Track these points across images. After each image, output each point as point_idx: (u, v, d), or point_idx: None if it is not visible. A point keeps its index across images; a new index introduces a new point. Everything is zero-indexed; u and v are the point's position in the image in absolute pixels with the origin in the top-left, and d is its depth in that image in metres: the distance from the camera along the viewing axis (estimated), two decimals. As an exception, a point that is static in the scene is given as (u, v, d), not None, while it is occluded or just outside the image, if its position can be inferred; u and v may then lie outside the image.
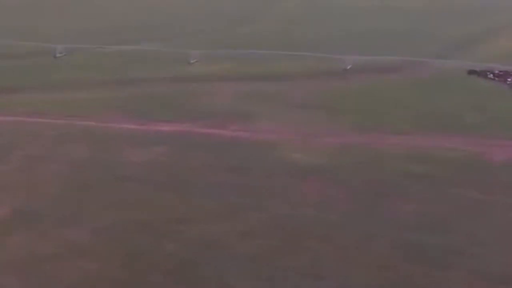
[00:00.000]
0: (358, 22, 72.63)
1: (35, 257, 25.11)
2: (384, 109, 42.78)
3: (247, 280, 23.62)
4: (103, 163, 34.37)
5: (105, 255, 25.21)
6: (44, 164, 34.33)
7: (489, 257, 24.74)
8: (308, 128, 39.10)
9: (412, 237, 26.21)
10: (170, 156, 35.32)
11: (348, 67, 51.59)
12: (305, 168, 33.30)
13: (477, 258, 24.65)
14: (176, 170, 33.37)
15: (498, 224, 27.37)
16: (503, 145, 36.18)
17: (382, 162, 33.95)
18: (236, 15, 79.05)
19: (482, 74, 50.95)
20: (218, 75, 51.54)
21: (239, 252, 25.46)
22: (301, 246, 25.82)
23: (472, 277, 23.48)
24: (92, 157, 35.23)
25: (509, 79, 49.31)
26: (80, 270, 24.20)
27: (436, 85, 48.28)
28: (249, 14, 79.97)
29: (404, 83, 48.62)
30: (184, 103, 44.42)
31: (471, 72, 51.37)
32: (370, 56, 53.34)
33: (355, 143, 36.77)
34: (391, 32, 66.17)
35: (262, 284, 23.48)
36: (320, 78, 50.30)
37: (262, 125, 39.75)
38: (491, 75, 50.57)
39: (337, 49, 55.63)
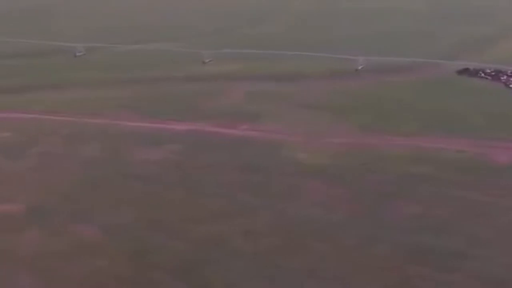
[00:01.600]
0: (370, 24, 72.35)
1: (47, 253, 25.78)
2: (392, 110, 42.75)
3: (249, 279, 23.92)
4: (115, 161, 34.82)
5: (114, 252, 25.72)
6: (57, 162, 34.88)
7: (492, 259, 24.83)
8: (316, 129, 39.22)
9: (415, 239, 26.31)
10: (182, 154, 35.70)
11: (360, 68, 51.56)
12: (312, 169, 33.48)
13: (480, 260, 24.75)
14: (187, 169, 33.75)
15: (500, 226, 27.38)
16: (506, 146, 36.09)
17: (386, 163, 33.96)
18: (250, 16, 79.16)
19: (473, 73, 50.63)
20: (231, 74, 51.70)
21: (243, 250, 25.77)
22: (305, 247, 26.07)
23: (474, 280, 23.60)
24: (104, 155, 35.69)
25: (503, 78, 49.18)
26: (90, 266, 24.80)
27: (444, 86, 48.14)
28: (263, 15, 80.00)
29: (412, 84, 48.47)
30: (197, 102, 44.72)
31: (461, 72, 51.06)
32: (381, 57, 53.29)
33: (361, 144, 36.83)
34: (403, 34, 66.05)
35: (265, 283, 23.74)
36: (331, 78, 50.22)
37: (271, 125, 39.93)
38: (482, 74, 50.29)
39: (349, 50, 55.58)
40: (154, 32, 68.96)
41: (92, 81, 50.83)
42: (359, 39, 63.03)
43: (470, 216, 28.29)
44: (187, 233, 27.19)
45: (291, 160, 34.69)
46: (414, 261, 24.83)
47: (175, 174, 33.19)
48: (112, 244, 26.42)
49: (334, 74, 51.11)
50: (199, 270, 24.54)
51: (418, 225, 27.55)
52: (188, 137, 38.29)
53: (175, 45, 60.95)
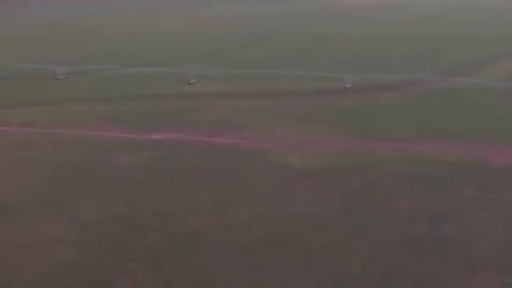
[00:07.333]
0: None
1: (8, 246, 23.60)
2: (384, 119, 40.99)
3: (231, 269, 21.83)
4: (88, 164, 33.02)
5: (82, 245, 23.69)
6: (29, 166, 32.91)
7: (484, 246, 22.88)
8: (304, 137, 37.56)
9: (406, 229, 24.55)
10: (160, 158, 33.92)
11: (348, 86, 50.02)
12: (299, 170, 31.79)
13: (472, 246, 22.86)
14: (166, 171, 31.87)
15: (495, 218, 25.39)
16: (503, 150, 34.28)
17: (379, 164, 32.21)
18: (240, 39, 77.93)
19: None
20: (217, 92, 50.11)
21: (226, 243, 23.72)
22: (294, 238, 24.05)
23: (465, 264, 21.60)
24: (78, 159, 33.83)
25: None
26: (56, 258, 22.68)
27: (439, 99, 46.32)
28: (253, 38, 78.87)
29: (404, 99, 46.66)
30: (181, 115, 42.96)
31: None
32: (369, 74, 51.92)
33: (352, 148, 35.20)
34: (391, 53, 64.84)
35: (247, 271, 21.68)
36: (319, 96, 48.56)
37: (258, 134, 38.20)
38: None
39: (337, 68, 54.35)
40: (136, 56, 66.61)
41: (74, 99, 48.90)
42: (350, 58, 61.61)
43: (464, 209, 26.40)
44: (161, 226, 25.12)
45: (278, 163, 32.81)
46: (407, 248, 22.94)
47: (151, 174, 31.25)
48: (81, 237, 24.34)
49: (322, 92, 49.16)
50: (175, 261, 22.44)
51: (411, 217, 25.70)
52: (169, 144, 36.44)
53: (162, 68, 58.66)
